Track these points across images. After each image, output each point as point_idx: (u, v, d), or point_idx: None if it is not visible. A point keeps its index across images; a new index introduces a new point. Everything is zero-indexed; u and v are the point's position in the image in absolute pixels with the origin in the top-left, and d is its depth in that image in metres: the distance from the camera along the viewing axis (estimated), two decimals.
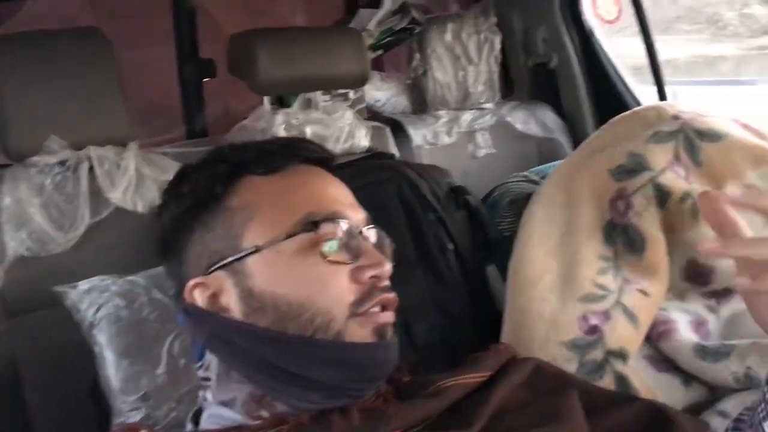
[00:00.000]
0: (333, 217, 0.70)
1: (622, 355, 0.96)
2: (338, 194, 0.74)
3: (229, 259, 0.70)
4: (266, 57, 1.36)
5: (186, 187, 0.75)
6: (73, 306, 1.00)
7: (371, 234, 0.75)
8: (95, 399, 1.02)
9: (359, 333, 0.68)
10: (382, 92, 1.83)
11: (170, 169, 1.27)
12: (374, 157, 1.39)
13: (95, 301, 1.00)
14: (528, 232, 1.12)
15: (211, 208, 0.72)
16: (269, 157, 0.74)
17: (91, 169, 1.21)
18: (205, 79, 1.64)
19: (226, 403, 0.71)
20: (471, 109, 1.84)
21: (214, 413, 0.71)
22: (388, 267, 0.71)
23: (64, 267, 1.13)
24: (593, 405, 0.75)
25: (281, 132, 1.44)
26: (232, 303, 0.70)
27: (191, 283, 0.71)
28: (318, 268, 0.68)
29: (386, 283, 0.72)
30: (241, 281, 0.69)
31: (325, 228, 0.69)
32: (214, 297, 0.70)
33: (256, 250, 0.69)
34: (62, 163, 1.19)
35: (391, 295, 0.72)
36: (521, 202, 1.24)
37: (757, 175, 1.10)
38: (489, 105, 1.87)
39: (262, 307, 0.68)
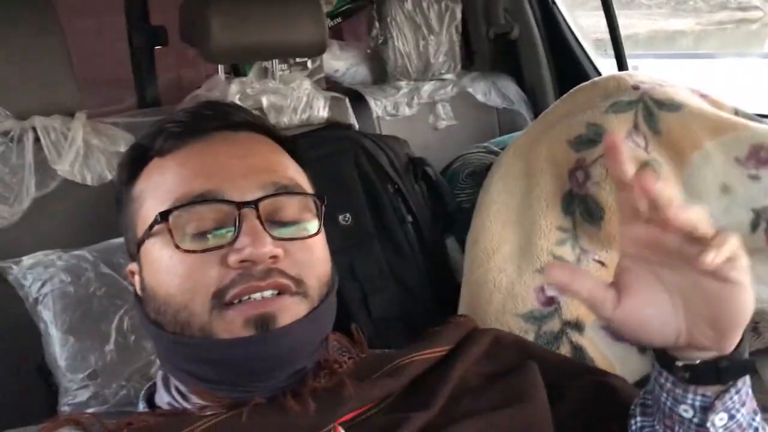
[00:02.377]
0: (204, 199, 0.63)
1: (578, 325, 0.96)
2: (225, 165, 0.66)
3: (131, 249, 0.69)
4: (219, 23, 1.31)
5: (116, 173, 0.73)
6: (17, 281, 0.96)
7: (269, 208, 0.64)
8: (43, 376, 0.99)
9: (227, 327, 0.61)
10: (341, 62, 1.79)
11: (120, 140, 1.22)
12: (331, 127, 1.35)
13: (39, 276, 0.96)
14: (486, 204, 1.11)
15: (123, 196, 0.71)
16: (165, 135, 0.68)
17: (36, 139, 1.16)
18: (156, 47, 1.58)
19: (167, 384, 0.69)
20: (432, 80, 1.81)
21: (163, 393, 0.69)
22: (263, 249, 0.61)
23: (9, 241, 1.08)
24: (554, 376, 0.74)
25: (236, 102, 1.40)
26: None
27: (127, 268, 0.71)
28: (174, 259, 0.62)
29: (264, 266, 0.62)
30: (140, 272, 0.68)
31: (179, 217, 0.63)
32: (141, 283, 0.69)
33: (140, 242, 0.66)
34: (5, 133, 1.14)
35: (274, 280, 0.62)
36: (481, 174, 1.23)
37: (714, 144, 1.11)
38: (450, 76, 1.84)
39: (148, 301, 0.66)
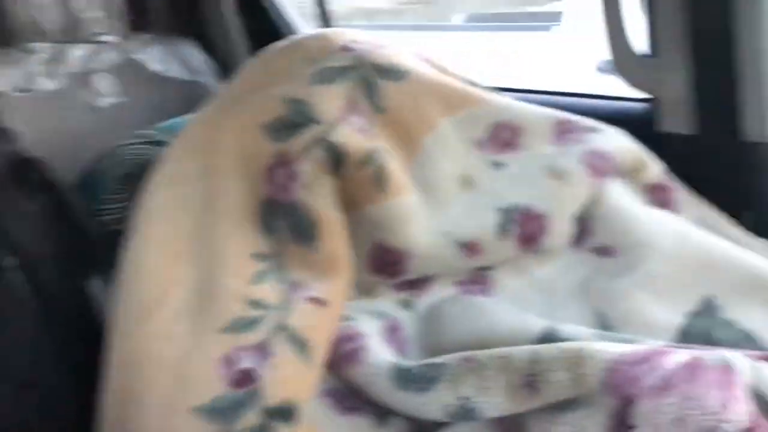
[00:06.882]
0: None
1: (287, 412, 0.65)
2: None
3: None
4: None
5: None
6: None
7: None
8: None
9: None
10: None
11: None
12: None
13: None
14: (145, 225, 0.77)
15: None
16: None
17: None
18: None
19: None
20: (84, 43, 1.44)
21: None
22: None
23: None
24: None
25: None
26: None
27: None
28: None
29: None
30: None
31: None
32: None
33: None
34: None
35: None
36: (139, 178, 0.85)
37: (449, 122, 0.91)
38: (110, 38, 1.47)
39: None
